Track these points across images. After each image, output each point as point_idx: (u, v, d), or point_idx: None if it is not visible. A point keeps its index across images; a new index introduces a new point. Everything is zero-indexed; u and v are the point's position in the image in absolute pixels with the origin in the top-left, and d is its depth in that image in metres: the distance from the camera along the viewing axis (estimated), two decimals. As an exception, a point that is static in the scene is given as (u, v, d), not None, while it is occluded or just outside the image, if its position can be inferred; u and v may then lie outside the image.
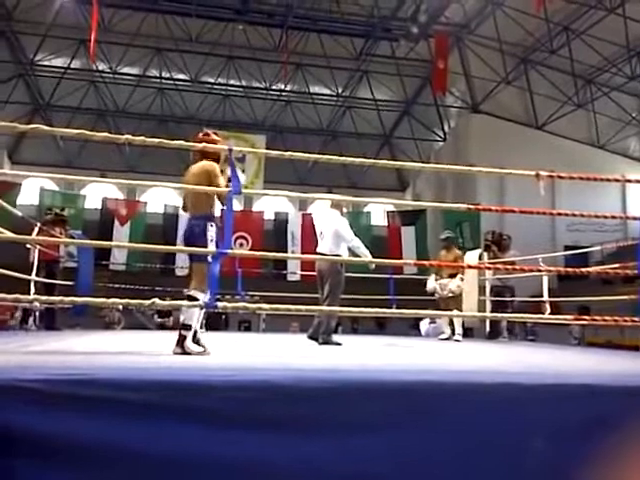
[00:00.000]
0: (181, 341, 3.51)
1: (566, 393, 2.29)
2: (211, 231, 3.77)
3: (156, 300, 2.81)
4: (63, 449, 2.09)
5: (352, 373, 2.54)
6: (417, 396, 2.24)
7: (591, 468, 2.26)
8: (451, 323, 7.92)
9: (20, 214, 6.04)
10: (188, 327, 3.54)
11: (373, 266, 5.80)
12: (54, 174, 7.05)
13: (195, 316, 3.61)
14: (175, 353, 3.47)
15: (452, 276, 7.70)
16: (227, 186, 3.62)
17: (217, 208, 3.93)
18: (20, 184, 17.01)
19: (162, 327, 10.35)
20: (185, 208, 4.08)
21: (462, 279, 7.59)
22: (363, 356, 4.20)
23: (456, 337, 7.59)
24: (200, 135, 4.16)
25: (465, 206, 3.50)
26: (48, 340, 4.55)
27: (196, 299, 3.57)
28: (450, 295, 7.66)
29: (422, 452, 2.22)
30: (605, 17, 16.20)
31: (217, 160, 4.03)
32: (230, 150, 2.96)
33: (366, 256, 5.82)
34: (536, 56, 18.98)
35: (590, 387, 2.34)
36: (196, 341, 3.65)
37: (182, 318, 3.59)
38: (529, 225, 17.09)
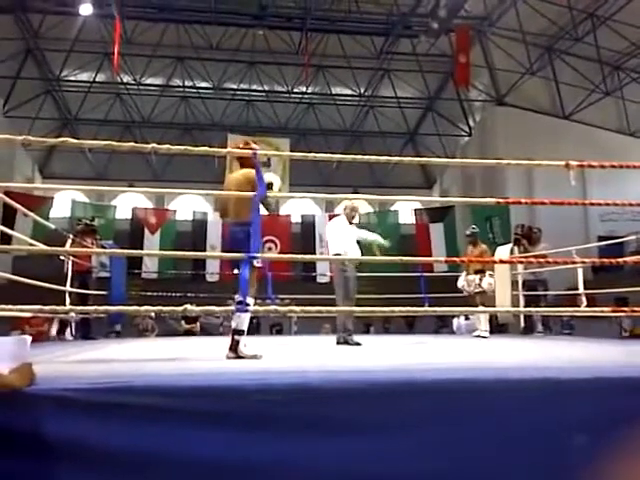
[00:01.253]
0: (234, 346, 3.61)
1: (602, 388, 2.23)
2: (254, 237, 3.74)
3: (187, 306, 2.83)
4: (105, 457, 2.12)
5: (381, 373, 2.52)
6: (448, 395, 2.20)
7: (628, 464, 2.20)
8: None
9: (53, 226, 6.15)
10: (240, 332, 3.65)
11: (387, 244, 6.39)
12: (84, 186, 7.19)
13: (247, 321, 3.73)
14: (229, 357, 3.58)
15: (479, 272, 7.54)
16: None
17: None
18: (52, 198, 17.37)
19: (189, 333, 10.43)
20: (223, 214, 4.16)
21: (491, 275, 7.44)
22: (393, 355, 4.16)
23: (482, 333, 7.44)
24: (241, 145, 4.22)
25: (494, 200, 3.45)
26: (85, 349, 4.62)
27: (247, 304, 3.60)
28: (477, 291, 7.51)
29: (454, 451, 2.18)
30: (631, 1, 15.82)
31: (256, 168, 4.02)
32: (255, 154, 2.96)
33: (376, 240, 6.05)
34: (560, 45, 18.64)
35: (629, 381, 2.28)
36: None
37: (234, 324, 3.67)
38: (561, 217, 16.79)
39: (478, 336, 7.49)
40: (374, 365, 3.29)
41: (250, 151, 3.18)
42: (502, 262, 6.54)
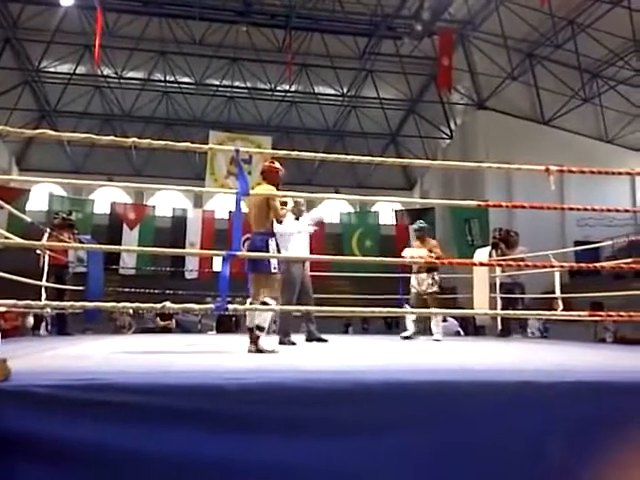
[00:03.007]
0: (255, 341, 4.07)
1: (575, 391, 2.25)
2: (272, 245, 4.34)
3: (167, 304, 2.79)
4: (74, 454, 2.09)
5: (362, 374, 2.52)
6: (426, 396, 2.21)
7: (604, 468, 2.23)
8: (423, 321, 7.38)
9: (29, 220, 6.04)
10: (262, 329, 4.10)
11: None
12: (62, 179, 7.09)
13: (269, 319, 4.20)
14: (250, 351, 4.03)
15: (430, 270, 7.03)
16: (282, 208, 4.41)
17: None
18: (29, 190, 17.11)
19: (164, 330, 10.36)
20: (248, 217, 4.55)
21: (434, 277, 6.99)
22: (369, 357, 4.18)
23: (435, 336, 6.90)
24: (266, 164, 4.76)
25: (475, 203, 3.47)
26: (60, 345, 4.56)
27: (269, 304, 4.16)
28: (430, 291, 7.02)
29: (434, 453, 2.19)
30: (610, 10, 16.09)
31: (276, 185, 4.65)
32: (237, 151, 2.95)
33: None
34: (541, 51, 18.88)
35: (597, 385, 2.31)
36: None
37: (257, 321, 4.11)
38: (538, 221, 17.02)
39: (409, 338, 6.92)
40: (350, 365, 3.29)
41: (232, 148, 3.15)
42: (480, 265, 6.59)
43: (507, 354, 4.47)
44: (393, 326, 15.82)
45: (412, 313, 6.63)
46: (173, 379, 2.30)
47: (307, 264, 6.21)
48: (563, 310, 6.79)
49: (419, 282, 7.14)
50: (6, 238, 4.71)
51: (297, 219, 6.19)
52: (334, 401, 2.20)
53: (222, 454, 2.14)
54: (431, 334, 7.02)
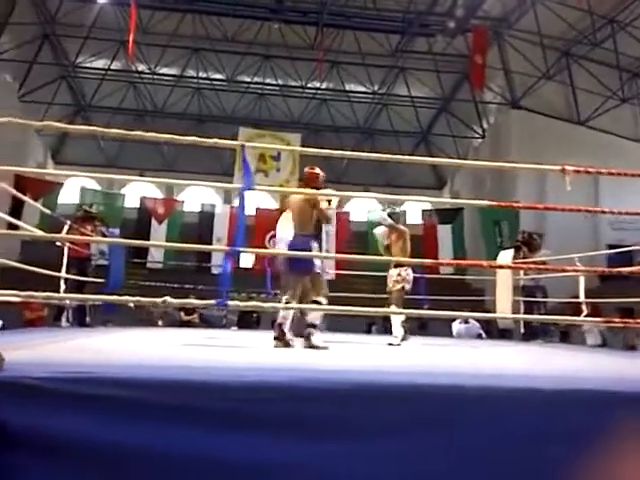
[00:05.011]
0: (308, 337, 4.40)
1: (582, 399, 2.15)
2: (315, 248, 4.59)
3: (167, 298, 2.77)
4: (61, 446, 2.08)
5: (366, 375, 2.46)
6: (431, 400, 2.14)
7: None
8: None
9: (49, 212, 6.14)
10: (314, 326, 4.42)
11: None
12: (94, 173, 7.18)
13: (320, 317, 4.50)
14: (305, 347, 4.35)
15: (399, 265, 6.23)
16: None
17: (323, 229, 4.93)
18: (62, 184, 17.44)
19: (188, 324, 10.42)
20: (293, 219, 4.84)
21: (400, 274, 6.16)
22: (381, 358, 4.10)
23: (391, 339, 6.03)
24: (307, 170, 5.03)
25: (489, 203, 3.36)
26: (71, 337, 4.60)
27: (321, 303, 4.49)
28: (395, 288, 6.19)
29: (435, 459, 2.12)
30: (652, 7, 15.60)
31: (319, 189, 4.89)
32: (243, 147, 2.91)
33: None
34: (578, 49, 18.41)
35: (608, 394, 2.20)
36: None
37: (310, 318, 4.45)
38: (571, 224, 16.61)
39: (390, 344, 5.91)
40: (358, 366, 3.23)
41: (238, 143, 3.11)
42: (495, 267, 6.43)
43: (516, 359, 4.35)
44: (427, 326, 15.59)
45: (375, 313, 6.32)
46: (166, 374, 2.28)
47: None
48: (591, 315, 6.59)
49: (389, 279, 6.38)
50: (26, 231, 4.78)
51: None
52: (338, 401, 2.15)
53: (217, 451, 2.11)
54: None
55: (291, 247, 4.60)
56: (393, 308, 5.97)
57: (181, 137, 2.90)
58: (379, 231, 6.37)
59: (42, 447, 2.07)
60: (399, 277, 6.18)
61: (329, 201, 4.91)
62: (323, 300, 4.52)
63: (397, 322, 6.10)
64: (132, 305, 6.02)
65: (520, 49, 18.78)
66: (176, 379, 2.19)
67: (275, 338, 4.49)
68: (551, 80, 19.19)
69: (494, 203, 3.49)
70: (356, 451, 2.10)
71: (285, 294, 4.78)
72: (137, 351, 3.64)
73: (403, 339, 6.12)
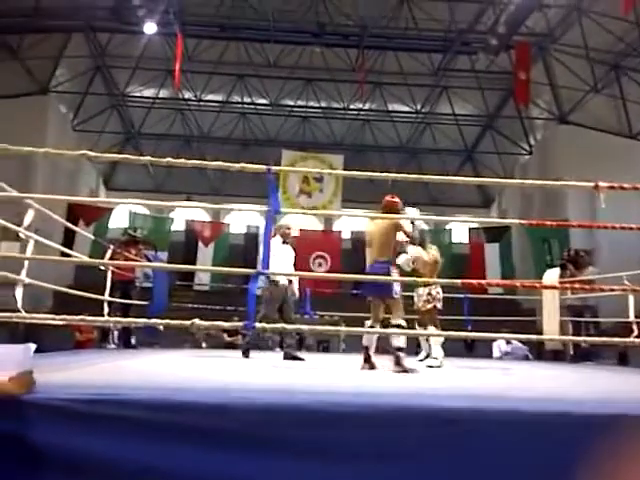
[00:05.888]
0: (398, 361, 4.44)
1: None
2: (395, 274, 4.73)
3: (196, 321, 2.79)
4: (88, 466, 2.12)
5: (388, 397, 2.39)
6: (452, 424, 2.07)
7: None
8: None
9: (96, 238, 6.32)
10: (401, 349, 4.47)
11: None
12: (139, 200, 7.40)
13: (404, 340, 4.54)
14: (395, 371, 4.39)
15: (429, 285, 6.12)
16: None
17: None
18: (112, 209, 18.02)
19: (231, 346, 10.46)
20: (370, 245, 4.96)
21: (430, 292, 6.10)
22: (413, 379, 4.00)
23: (430, 361, 5.92)
24: (387, 199, 5.06)
25: (520, 222, 3.26)
26: (111, 359, 4.69)
27: (403, 326, 4.58)
28: (425, 309, 6.15)
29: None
30: None
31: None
32: (269, 170, 2.93)
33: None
34: (628, 62, 17.88)
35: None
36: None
37: (395, 343, 4.45)
38: (623, 242, 15.96)
39: (430, 366, 5.81)
40: (377, 388, 3.16)
41: (264, 167, 3.13)
42: (528, 286, 6.23)
43: (554, 382, 4.17)
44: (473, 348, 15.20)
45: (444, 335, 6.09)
46: (193, 397, 2.27)
47: (294, 283, 6.64)
48: (642, 336, 6.30)
49: (418, 297, 6.32)
50: (70, 257, 4.94)
51: (285, 242, 6.57)
52: (352, 424, 2.11)
53: (234, 473, 2.10)
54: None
55: (370, 273, 4.72)
56: (431, 329, 5.89)
57: (209, 162, 2.95)
58: (401, 260, 6.32)
59: (66, 466, 2.13)
60: (429, 296, 6.14)
61: (413, 222, 5.30)
62: (403, 323, 4.61)
63: (437, 343, 5.98)
64: (161, 327, 6.11)
65: (567, 63, 18.40)
66: (203, 402, 2.19)
67: (364, 360, 4.71)
68: (599, 94, 18.68)
69: (524, 222, 3.38)
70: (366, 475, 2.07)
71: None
72: (167, 373, 3.67)
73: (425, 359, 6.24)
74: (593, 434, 2.04)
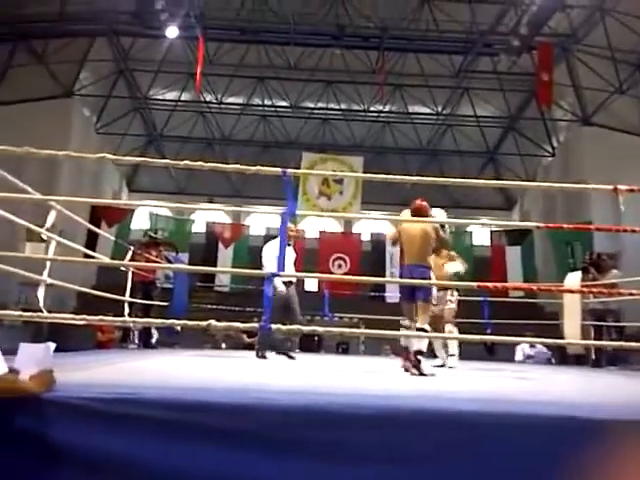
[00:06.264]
0: (417, 365, 4.45)
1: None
2: (433, 278, 4.93)
3: (212, 322, 2.82)
4: (107, 465, 2.14)
5: (405, 399, 2.39)
6: (464, 427, 2.06)
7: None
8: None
9: (117, 239, 6.40)
10: (422, 353, 4.50)
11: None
12: (164, 201, 7.49)
13: (426, 343, 4.61)
14: (413, 374, 4.42)
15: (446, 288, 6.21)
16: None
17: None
18: (134, 210, 18.20)
19: (250, 347, 10.50)
20: (395, 244, 5.17)
21: (451, 296, 6.20)
22: (429, 382, 3.99)
23: (450, 362, 6.04)
24: (418, 202, 5.09)
25: (534, 224, 3.23)
26: (131, 359, 4.75)
27: (427, 331, 4.61)
28: (446, 308, 6.17)
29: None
30: None
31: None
32: (284, 172, 2.95)
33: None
34: (653, 62, 17.60)
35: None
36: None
37: (416, 346, 4.48)
38: (651, 244, 15.69)
39: (442, 366, 6.04)
40: (395, 390, 3.15)
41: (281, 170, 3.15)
42: (563, 291, 6.15)
43: (572, 386, 4.11)
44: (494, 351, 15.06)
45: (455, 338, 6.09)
46: (212, 397, 2.29)
47: (292, 286, 6.61)
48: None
49: (436, 300, 6.05)
50: (92, 258, 5.02)
51: (288, 244, 6.27)
52: (369, 426, 2.11)
53: (254, 474, 2.11)
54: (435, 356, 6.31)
55: (408, 276, 4.77)
56: (450, 327, 5.90)
57: (225, 165, 2.99)
58: (457, 268, 6.28)
59: (85, 465, 2.14)
60: (450, 298, 6.27)
61: (443, 226, 5.36)
62: (427, 327, 4.65)
63: (455, 344, 6.06)
64: (179, 328, 6.16)
65: (590, 64, 18.16)
66: (219, 402, 2.20)
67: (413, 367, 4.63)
68: (624, 95, 18.39)
69: (540, 225, 3.35)
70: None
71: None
72: (186, 373, 3.71)
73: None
74: (606, 439, 2.01)
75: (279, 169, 3.09)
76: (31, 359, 2.35)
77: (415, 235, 4.85)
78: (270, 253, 6.48)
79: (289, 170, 3.03)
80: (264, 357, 6.04)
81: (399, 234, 5.00)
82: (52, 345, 2.48)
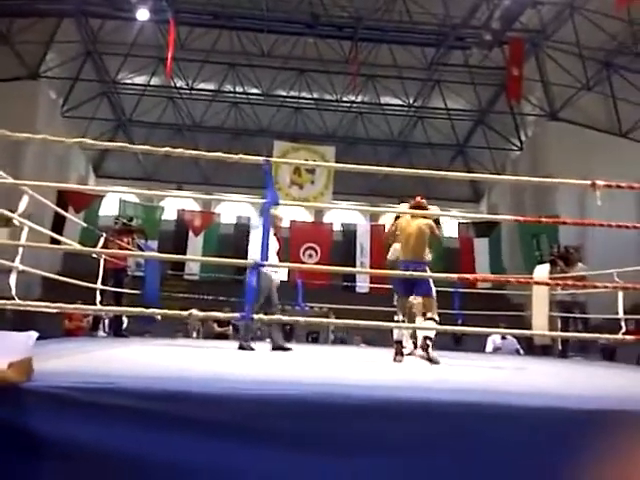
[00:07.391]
0: (426, 350, 4.69)
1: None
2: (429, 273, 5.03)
3: (193, 311, 2.80)
4: (83, 455, 2.12)
5: (382, 390, 2.42)
6: (444, 417, 2.10)
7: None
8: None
9: (87, 225, 6.28)
10: (431, 339, 4.72)
11: None
12: (132, 188, 7.36)
13: (433, 332, 4.76)
14: (422, 358, 4.69)
15: None
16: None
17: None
18: (102, 196, 17.86)
19: (221, 336, 10.46)
20: (393, 240, 5.39)
21: None
22: (406, 372, 4.04)
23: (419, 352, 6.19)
24: (418, 200, 5.27)
25: (510, 218, 3.29)
26: (102, 347, 4.68)
27: (436, 320, 4.82)
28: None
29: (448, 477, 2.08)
30: (696, 16, 15.17)
31: (435, 220, 5.34)
32: (267, 161, 2.93)
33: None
34: (620, 60, 17.99)
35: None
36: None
37: (426, 333, 4.74)
38: (614, 238, 16.10)
39: (410, 354, 5.75)
40: (377, 380, 3.19)
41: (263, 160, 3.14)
42: (518, 282, 6.28)
43: (545, 377, 4.22)
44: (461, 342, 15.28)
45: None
46: (188, 386, 2.28)
47: (277, 275, 6.40)
48: (630, 334, 6.39)
49: None
50: (60, 244, 4.92)
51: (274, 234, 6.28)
52: (344, 417, 2.13)
53: (228, 464, 2.12)
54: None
55: (404, 270, 4.82)
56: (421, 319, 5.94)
57: (206, 153, 2.95)
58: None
59: (63, 454, 2.12)
60: None
61: (438, 220, 5.55)
62: (436, 317, 4.82)
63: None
64: (159, 317, 6.09)
65: (559, 60, 18.50)
66: (193, 391, 2.20)
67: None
68: (591, 91, 18.80)
69: (517, 218, 3.41)
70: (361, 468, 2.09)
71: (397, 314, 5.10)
72: (162, 362, 3.67)
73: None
74: (584, 428, 2.08)
75: (260, 158, 3.06)
76: (8, 347, 2.31)
77: (411, 232, 5.00)
78: (256, 242, 6.31)
79: (270, 159, 3.00)
80: (251, 348, 5.76)
81: (395, 230, 5.20)
82: (34, 334, 2.43)
